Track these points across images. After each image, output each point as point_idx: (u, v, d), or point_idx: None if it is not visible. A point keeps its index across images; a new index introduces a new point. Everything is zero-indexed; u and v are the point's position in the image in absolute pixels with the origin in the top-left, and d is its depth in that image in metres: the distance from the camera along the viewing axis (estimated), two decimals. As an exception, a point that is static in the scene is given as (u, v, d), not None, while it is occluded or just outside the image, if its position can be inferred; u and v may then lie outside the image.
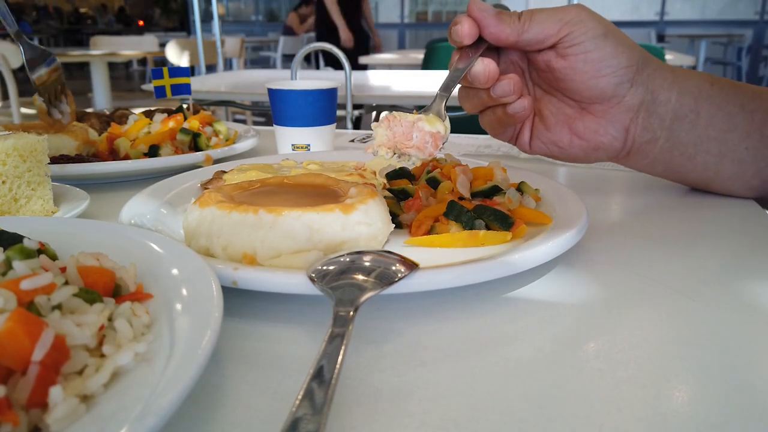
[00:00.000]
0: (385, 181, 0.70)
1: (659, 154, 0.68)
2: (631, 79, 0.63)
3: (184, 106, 1.06)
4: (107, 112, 1.14)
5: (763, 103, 0.67)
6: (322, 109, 0.96)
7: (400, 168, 0.71)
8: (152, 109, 1.08)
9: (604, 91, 0.63)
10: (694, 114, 0.66)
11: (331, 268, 0.45)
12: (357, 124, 2.06)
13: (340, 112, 1.15)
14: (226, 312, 0.38)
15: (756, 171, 0.69)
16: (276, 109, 0.97)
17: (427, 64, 3.25)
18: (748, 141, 0.67)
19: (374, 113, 2.25)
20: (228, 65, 5.54)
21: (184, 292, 0.39)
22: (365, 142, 1.19)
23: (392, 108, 2.23)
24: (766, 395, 0.36)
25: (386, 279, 0.44)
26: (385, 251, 0.48)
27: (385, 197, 0.64)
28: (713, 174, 0.71)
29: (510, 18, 0.62)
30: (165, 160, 0.88)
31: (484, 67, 0.61)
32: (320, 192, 0.60)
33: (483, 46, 0.63)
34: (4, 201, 0.63)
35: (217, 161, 0.91)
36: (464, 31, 0.61)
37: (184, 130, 0.95)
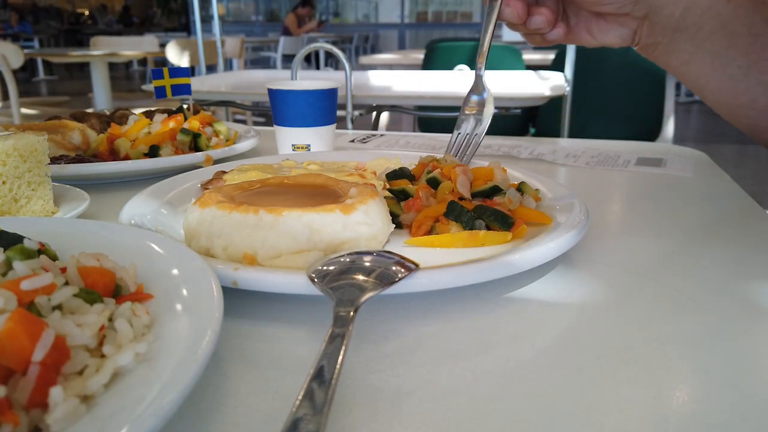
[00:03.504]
0: (385, 182, 0.70)
1: (658, 56, 0.75)
2: (633, 1, 0.70)
3: (185, 106, 1.06)
4: (107, 113, 1.14)
5: None
6: (323, 109, 0.96)
7: (399, 168, 0.71)
8: (152, 109, 1.08)
9: (610, 11, 0.72)
10: (695, 27, 0.70)
11: (332, 268, 0.45)
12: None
13: (340, 112, 1.15)
14: (226, 312, 0.38)
15: (746, 89, 0.72)
16: (276, 110, 0.97)
17: (427, 64, 3.25)
18: (743, 59, 0.70)
19: (374, 113, 2.25)
20: (228, 65, 5.54)
21: (185, 292, 0.39)
22: (365, 142, 1.19)
23: (392, 108, 2.23)
24: (766, 395, 0.36)
25: (386, 279, 0.44)
26: (386, 251, 0.48)
27: (385, 197, 0.64)
28: (705, 82, 0.74)
29: None
30: (165, 161, 0.88)
31: (511, 9, 0.71)
32: (320, 192, 0.60)
33: None
34: (5, 201, 0.63)
35: (217, 161, 0.91)
36: None
37: (184, 131, 0.95)
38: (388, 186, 0.69)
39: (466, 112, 0.80)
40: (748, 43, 0.70)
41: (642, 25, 0.72)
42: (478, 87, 0.80)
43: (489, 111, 0.79)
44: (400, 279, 0.44)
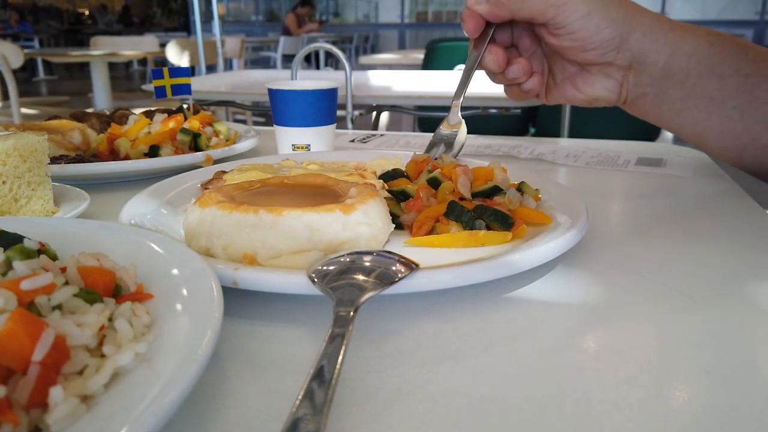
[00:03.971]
0: (384, 183, 0.71)
1: (650, 108, 0.75)
2: (616, 47, 0.70)
3: (185, 106, 1.06)
4: (107, 113, 1.14)
5: (761, 69, 0.70)
6: (323, 109, 0.96)
7: (393, 170, 0.72)
8: (152, 109, 1.08)
9: (593, 61, 0.72)
10: (683, 73, 0.70)
11: (332, 268, 0.45)
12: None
13: (340, 112, 1.15)
14: (226, 312, 0.38)
15: (744, 128, 0.72)
16: (276, 109, 0.97)
17: (427, 64, 3.25)
18: (736, 100, 0.70)
19: (374, 113, 2.25)
20: (228, 65, 5.54)
21: (185, 292, 0.39)
22: (365, 142, 1.19)
23: (392, 108, 2.23)
24: (767, 395, 0.36)
25: (386, 279, 0.44)
26: (386, 251, 0.48)
27: (384, 198, 0.64)
28: (703, 129, 0.74)
29: (501, 0, 0.71)
30: (165, 161, 0.88)
31: (493, 57, 0.73)
32: (320, 192, 0.60)
33: (491, 29, 0.74)
34: (5, 201, 0.63)
35: (217, 161, 0.91)
36: (470, 24, 0.72)
37: (184, 131, 0.95)
38: (386, 187, 0.69)
39: (442, 131, 0.81)
40: (739, 84, 0.70)
41: (628, 75, 0.72)
42: (450, 120, 0.81)
43: (461, 139, 0.80)
44: (400, 279, 0.44)
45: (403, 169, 0.74)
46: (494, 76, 0.77)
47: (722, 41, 0.71)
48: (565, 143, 1.14)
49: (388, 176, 0.71)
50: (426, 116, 2.73)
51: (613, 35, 0.69)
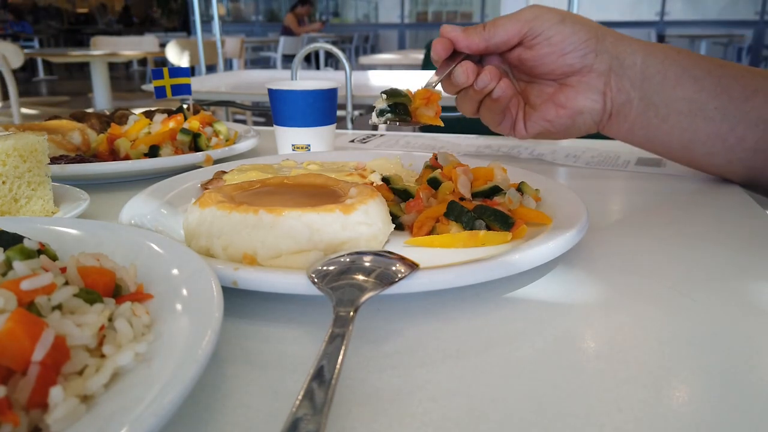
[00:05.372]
0: (384, 96, 0.68)
1: (636, 116, 0.75)
2: (594, 49, 0.71)
3: (185, 106, 1.06)
4: (107, 113, 1.14)
5: (729, 71, 0.72)
6: (323, 109, 0.96)
7: (391, 89, 0.69)
8: (152, 109, 1.08)
9: (573, 65, 0.72)
10: (661, 75, 0.72)
11: (332, 268, 0.45)
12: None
13: (340, 112, 1.15)
14: (226, 312, 0.38)
15: (729, 128, 0.73)
16: (276, 110, 0.97)
17: (427, 64, 3.24)
18: (716, 101, 0.72)
19: (374, 113, 2.25)
20: (228, 65, 5.54)
21: (184, 292, 0.39)
22: (365, 142, 1.19)
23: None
24: (767, 395, 0.36)
25: (386, 279, 0.44)
26: (386, 251, 0.48)
27: (385, 198, 0.64)
28: (691, 134, 0.74)
29: (475, 30, 0.72)
30: (165, 161, 0.88)
31: (462, 69, 0.71)
32: (320, 192, 0.60)
33: (459, 57, 0.72)
34: (5, 201, 0.63)
35: (217, 161, 0.91)
36: (438, 48, 0.72)
37: (184, 131, 0.95)
38: (385, 100, 0.68)
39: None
40: (714, 84, 0.72)
41: (609, 81, 0.72)
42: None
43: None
44: (400, 279, 0.44)
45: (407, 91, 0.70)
46: (465, 97, 0.75)
47: (686, 51, 0.74)
48: (565, 143, 1.14)
49: (391, 92, 0.68)
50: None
51: (590, 36, 0.71)
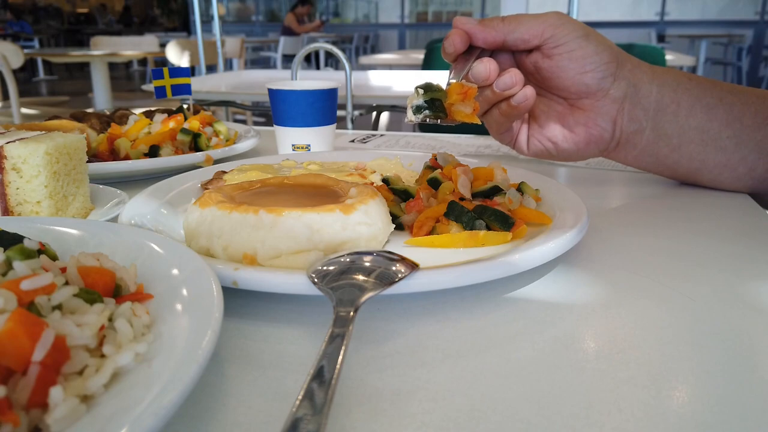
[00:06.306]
0: (420, 91, 0.63)
1: (646, 145, 0.72)
2: (613, 74, 0.67)
3: (185, 106, 1.06)
4: (107, 113, 1.14)
5: (740, 98, 0.71)
6: (323, 109, 0.96)
7: (426, 83, 0.64)
8: (152, 109, 1.08)
9: (590, 86, 0.67)
10: (675, 105, 0.70)
11: (332, 268, 0.45)
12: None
13: (340, 112, 1.15)
14: (226, 312, 0.38)
15: (740, 158, 0.72)
16: (276, 110, 0.97)
17: (427, 64, 3.24)
18: (729, 130, 0.70)
19: (374, 113, 2.25)
20: (228, 65, 5.54)
21: (185, 292, 0.39)
22: (365, 142, 1.19)
23: (392, 108, 2.23)
24: (767, 395, 0.36)
25: (386, 279, 0.44)
26: (386, 251, 0.48)
27: (386, 198, 0.64)
28: (699, 164, 0.73)
29: (493, 21, 0.67)
30: (165, 161, 0.88)
31: (484, 65, 0.63)
32: (320, 192, 0.60)
33: (476, 52, 0.67)
34: (58, 199, 0.63)
35: (217, 161, 0.92)
36: (456, 40, 0.66)
37: (184, 131, 0.96)
38: (422, 95, 0.62)
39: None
40: (726, 113, 0.70)
41: (622, 109, 0.69)
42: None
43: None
44: (400, 279, 0.44)
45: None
46: (480, 96, 0.65)
47: (696, 77, 0.72)
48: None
49: (427, 87, 0.63)
50: (426, 116, 2.73)
51: (611, 59, 0.67)
